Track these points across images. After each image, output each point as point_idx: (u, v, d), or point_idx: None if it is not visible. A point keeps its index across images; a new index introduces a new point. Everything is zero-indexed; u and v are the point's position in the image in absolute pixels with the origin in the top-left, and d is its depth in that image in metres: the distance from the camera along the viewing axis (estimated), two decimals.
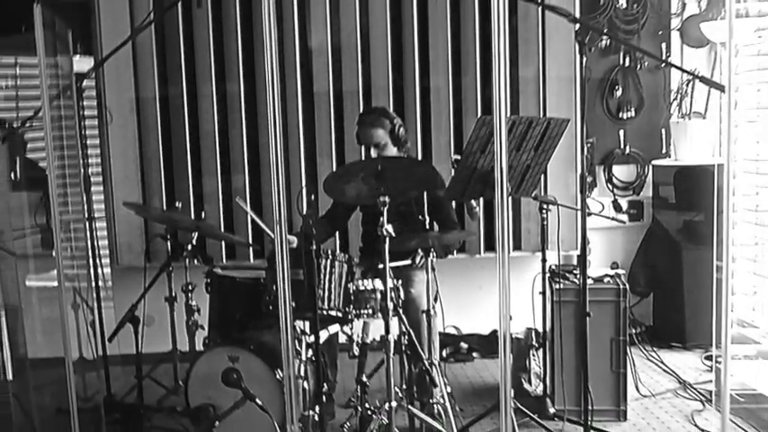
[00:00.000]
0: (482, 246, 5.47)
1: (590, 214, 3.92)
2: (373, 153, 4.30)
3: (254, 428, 3.67)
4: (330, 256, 3.73)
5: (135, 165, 5.38)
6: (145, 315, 4.37)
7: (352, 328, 3.93)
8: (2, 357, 5.33)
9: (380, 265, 3.55)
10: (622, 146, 5.76)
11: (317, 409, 3.50)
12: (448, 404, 3.98)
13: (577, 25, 3.49)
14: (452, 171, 3.85)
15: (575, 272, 4.37)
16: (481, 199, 4.45)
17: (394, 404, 3.59)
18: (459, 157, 3.71)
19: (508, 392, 2.97)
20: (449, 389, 4.17)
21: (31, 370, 4.32)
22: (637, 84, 5.72)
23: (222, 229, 5.35)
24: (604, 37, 5.58)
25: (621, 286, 4.23)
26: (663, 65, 5.67)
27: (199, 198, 5.41)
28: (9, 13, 5.27)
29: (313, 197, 3.49)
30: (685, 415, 4.34)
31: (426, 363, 3.96)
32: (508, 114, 2.97)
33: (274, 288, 3.65)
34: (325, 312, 3.69)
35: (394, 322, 3.61)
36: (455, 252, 5.39)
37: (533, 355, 4.66)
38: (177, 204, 4.81)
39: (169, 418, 4.32)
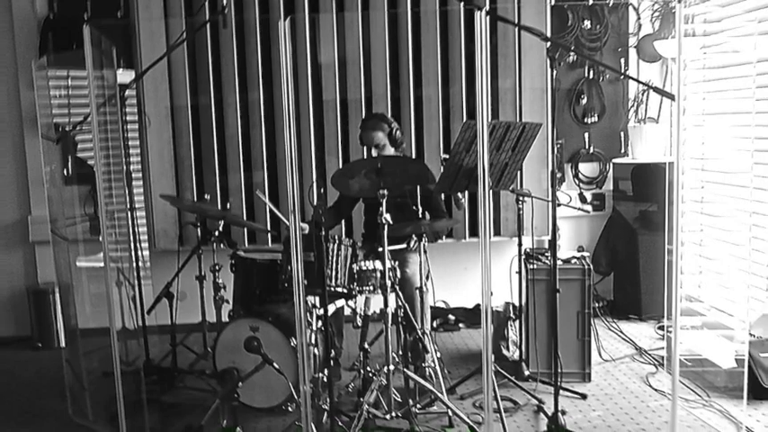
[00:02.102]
0: (467, 232, 5.46)
1: (559, 205, 3.90)
2: (374, 152, 4.29)
3: (271, 388, 3.68)
4: (337, 241, 3.72)
5: (170, 163, 5.37)
6: (178, 291, 4.38)
7: (355, 303, 3.93)
8: (56, 328, 5.34)
9: (380, 249, 3.54)
10: (587, 146, 5.74)
11: (326, 371, 3.49)
12: (438, 367, 3.98)
13: (549, 43, 3.45)
14: (441, 168, 3.83)
15: (546, 254, 4.35)
16: (466, 192, 4.43)
17: (392, 367, 3.59)
18: (447, 156, 3.69)
19: (489, 357, 2.96)
20: (438, 354, 4.17)
21: (80, 339, 4.30)
22: (599, 93, 5.69)
23: (245, 218, 5.33)
24: (572, 53, 5.55)
25: (586, 267, 4.21)
26: (622, 77, 5.65)
27: (224, 191, 5.39)
28: (63, 33, 5.27)
29: (322, 190, 3.47)
30: (641, 377, 4.33)
31: (419, 332, 3.96)
32: (489, 119, 2.95)
33: (289, 268, 3.64)
34: (332, 289, 3.69)
35: (391, 297, 3.60)
36: (444, 237, 5.37)
37: (511, 325, 4.64)
38: (206, 196, 4.80)
39: (199, 379, 4.32)
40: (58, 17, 5.31)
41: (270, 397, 3.76)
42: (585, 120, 5.71)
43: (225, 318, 4.30)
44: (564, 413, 3.57)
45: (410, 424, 3.54)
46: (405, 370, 3.76)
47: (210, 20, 5.06)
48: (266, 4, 5.25)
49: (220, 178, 5.38)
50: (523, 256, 4.28)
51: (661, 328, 5.09)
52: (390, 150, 4.31)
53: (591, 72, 5.67)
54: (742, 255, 4.66)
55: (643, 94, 5.69)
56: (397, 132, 4.31)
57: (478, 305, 5.53)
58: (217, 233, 4.40)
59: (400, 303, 3.81)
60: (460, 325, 5.49)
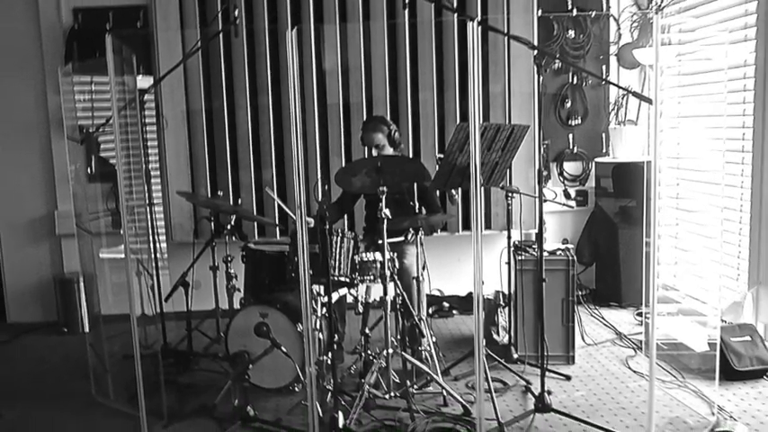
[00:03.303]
0: (460, 225, 5.45)
1: (545, 201, 3.89)
2: (374, 152, 4.27)
3: (279, 370, 3.67)
4: (340, 234, 3.71)
5: (185, 161, 5.36)
6: (193, 280, 4.36)
7: (357, 291, 3.92)
8: (80, 314, 5.34)
9: (380, 241, 3.53)
10: (571, 146, 5.72)
11: (330, 354, 3.48)
12: (433, 351, 3.96)
13: (536, 51, 3.44)
14: (437, 167, 3.82)
15: (533, 246, 4.34)
16: (460, 188, 4.41)
17: (390, 351, 3.58)
18: (442, 156, 3.67)
19: (481, 341, 2.95)
20: (434, 339, 4.15)
21: (103, 324, 4.30)
22: (582, 97, 5.68)
23: (255, 213, 5.33)
24: (557, 60, 5.54)
25: (570, 258, 4.20)
26: (603, 82, 5.63)
27: (236, 187, 5.39)
28: (87, 42, 5.26)
29: (326, 187, 3.46)
30: (621, 360, 4.32)
31: (416, 318, 3.95)
32: (481, 122, 2.94)
33: (296, 259, 3.63)
34: (335, 278, 3.68)
35: (390, 286, 3.60)
36: (439, 231, 5.36)
37: (501, 312, 4.64)
38: (219, 192, 4.78)
39: (212, 362, 4.32)
40: (82, 27, 5.29)
41: (278, 378, 3.75)
42: (570, 122, 5.69)
43: (236, 305, 4.29)
44: (550, 393, 3.56)
45: (408, 403, 3.54)
46: (403, 353, 3.75)
47: (223, 30, 5.05)
48: (275, 15, 5.24)
49: (232, 176, 5.37)
50: (512, 248, 4.27)
51: (639, 314, 5.08)
52: (389, 150, 4.29)
53: (575, 78, 5.65)
54: (714, 247, 4.66)
55: (623, 99, 5.67)
56: (396, 134, 4.29)
57: (471, 293, 5.53)
58: (229, 227, 4.39)
59: (398, 292, 3.80)
60: (454, 312, 5.48)
